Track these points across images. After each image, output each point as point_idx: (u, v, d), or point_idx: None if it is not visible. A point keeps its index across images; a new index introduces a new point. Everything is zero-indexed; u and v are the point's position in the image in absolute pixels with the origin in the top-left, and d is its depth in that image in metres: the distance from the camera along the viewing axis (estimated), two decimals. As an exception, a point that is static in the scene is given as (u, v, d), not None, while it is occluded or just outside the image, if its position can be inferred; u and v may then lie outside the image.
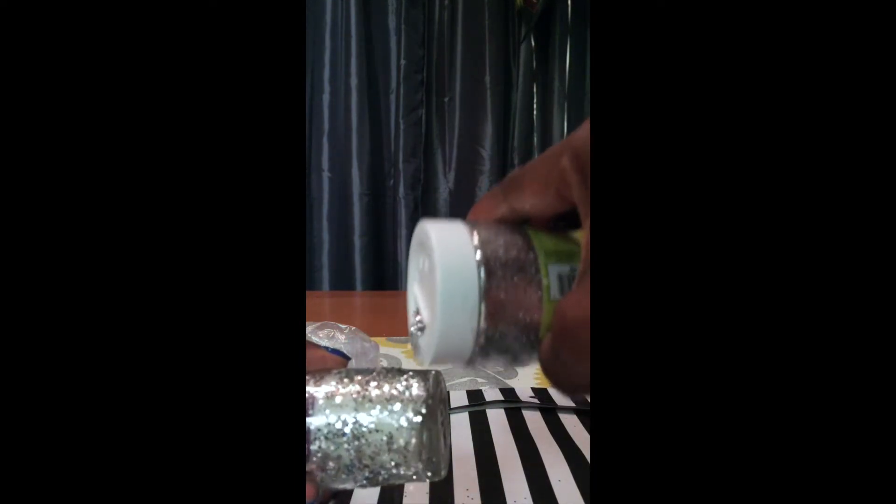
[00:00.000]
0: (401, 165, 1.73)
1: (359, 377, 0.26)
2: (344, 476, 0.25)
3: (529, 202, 0.20)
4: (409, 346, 0.75)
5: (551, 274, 0.19)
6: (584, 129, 0.17)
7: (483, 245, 0.19)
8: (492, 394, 0.57)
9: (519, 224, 0.21)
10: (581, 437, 0.48)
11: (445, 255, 0.18)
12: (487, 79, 1.74)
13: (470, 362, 0.20)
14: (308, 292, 1.34)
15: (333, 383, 0.25)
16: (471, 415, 0.52)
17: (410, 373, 0.26)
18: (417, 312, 0.21)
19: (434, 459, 0.25)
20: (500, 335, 0.19)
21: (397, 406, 0.24)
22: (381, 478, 0.25)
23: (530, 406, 0.54)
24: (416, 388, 0.25)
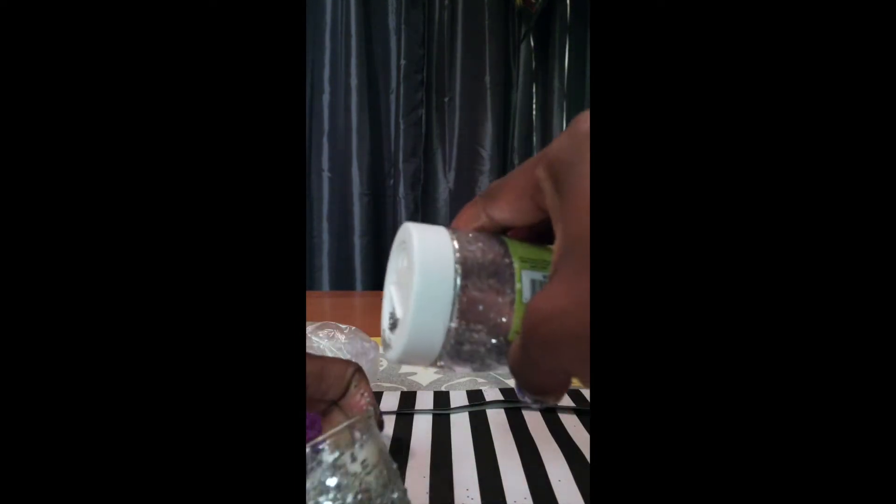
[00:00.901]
0: (401, 165, 1.73)
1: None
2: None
3: (506, 211, 0.21)
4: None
5: (524, 279, 0.20)
6: (559, 140, 0.18)
7: (461, 248, 0.20)
8: (492, 394, 0.57)
9: (497, 233, 0.22)
10: (581, 437, 0.47)
11: (424, 253, 0.19)
12: (487, 79, 1.74)
13: (437, 361, 0.20)
14: (308, 292, 1.34)
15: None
16: (471, 415, 0.52)
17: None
18: (392, 314, 0.22)
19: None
20: (471, 335, 0.19)
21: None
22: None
23: (530, 406, 0.55)
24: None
